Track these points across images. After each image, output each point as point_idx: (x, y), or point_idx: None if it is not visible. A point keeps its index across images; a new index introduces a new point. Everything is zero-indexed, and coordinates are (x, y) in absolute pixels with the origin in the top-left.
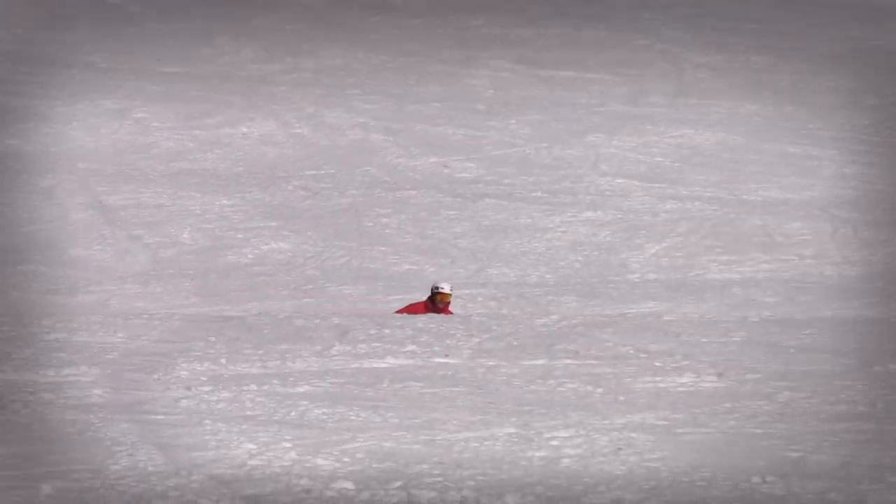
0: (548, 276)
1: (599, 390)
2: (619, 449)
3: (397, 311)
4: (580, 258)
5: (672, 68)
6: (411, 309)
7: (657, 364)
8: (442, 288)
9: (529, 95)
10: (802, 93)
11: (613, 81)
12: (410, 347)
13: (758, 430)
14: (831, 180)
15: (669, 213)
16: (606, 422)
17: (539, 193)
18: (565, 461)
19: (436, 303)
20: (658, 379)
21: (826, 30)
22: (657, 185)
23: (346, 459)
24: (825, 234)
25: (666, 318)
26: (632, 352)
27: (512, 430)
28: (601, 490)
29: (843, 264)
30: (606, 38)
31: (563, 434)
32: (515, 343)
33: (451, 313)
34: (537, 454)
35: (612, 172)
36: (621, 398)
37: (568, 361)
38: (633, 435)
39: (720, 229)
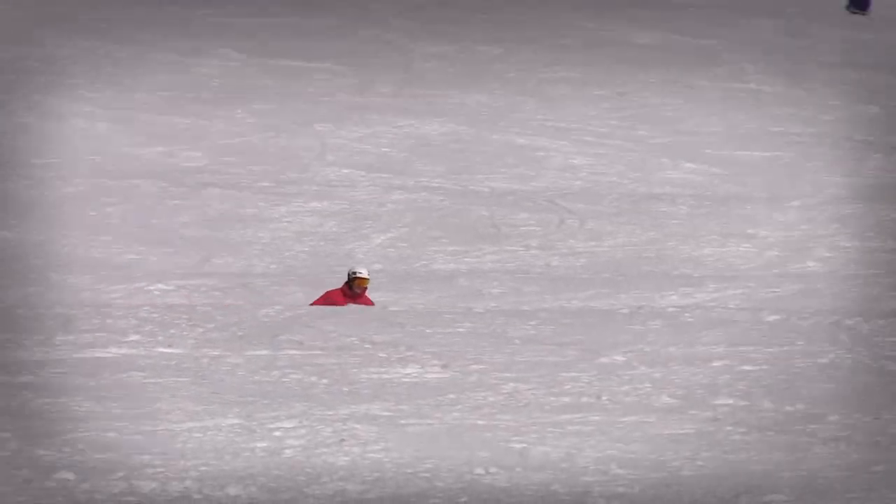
0: (273, 266)
1: (324, 381)
2: (343, 440)
3: (314, 303)
4: (306, 248)
5: (400, 58)
6: (329, 297)
7: (382, 355)
8: (359, 273)
9: (256, 85)
10: (530, 83)
11: (340, 71)
12: (134, 337)
13: (482, 422)
14: (558, 171)
15: (396, 203)
16: (330, 412)
17: (265, 183)
18: (288, 452)
19: (353, 288)
20: (382, 370)
21: (554, 21)
22: (384, 175)
23: (66, 450)
24: (552, 224)
25: (391, 308)
26: (356, 342)
27: (235, 421)
28: (324, 481)
29: (569, 255)
30: (334, 28)
31: (287, 425)
32: (240, 333)
33: (371, 301)
34: (260, 445)
35: (339, 163)
36: (345, 389)
37: (292, 352)
38: (357, 426)
39: (447, 220)
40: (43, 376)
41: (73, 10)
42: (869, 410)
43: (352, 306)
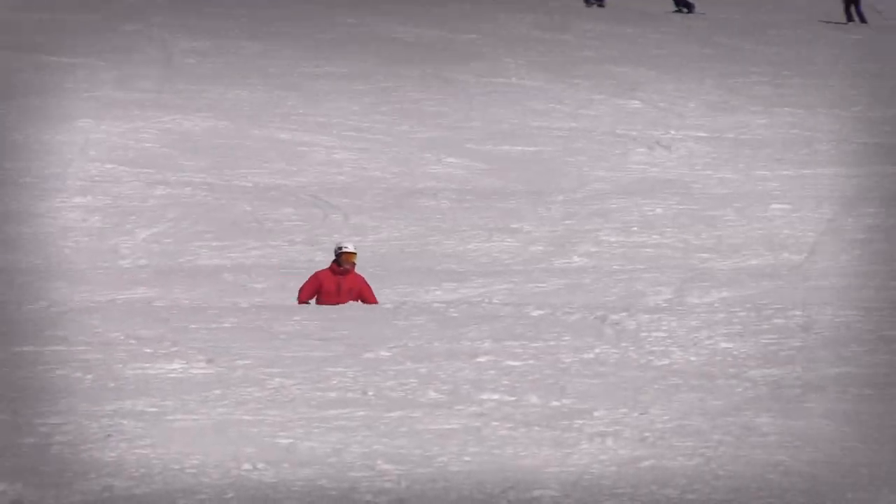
0: (38, 262)
1: (89, 377)
2: (109, 436)
3: (302, 291)
4: (70, 244)
5: (161, 54)
6: (317, 277)
7: (147, 350)
8: (346, 247)
9: (18, 80)
10: (292, 78)
11: (102, 67)
12: None
13: (248, 417)
14: (321, 166)
15: (159, 198)
16: (96, 408)
17: (29, 179)
18: (55, 448)
19: (341, 264)
20: (147, 365)
21: (315, 17)
22: (147, 170)
23: None
24: (316, 219)
25: (156, 303)
26: (121, 338)
27: (1, 417)
28: (91, 477)
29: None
30: (95, 24)
31: (53, 420)
32: (5, 329)
33: (362, 277)
34: (27, 440)
35: (102, 158)
36: (111, 385)
37: (57, 348)
38: (123, 422)
39: (211, 215)
40: None
41: None
42: (636, 406)
43: (328, 308)
